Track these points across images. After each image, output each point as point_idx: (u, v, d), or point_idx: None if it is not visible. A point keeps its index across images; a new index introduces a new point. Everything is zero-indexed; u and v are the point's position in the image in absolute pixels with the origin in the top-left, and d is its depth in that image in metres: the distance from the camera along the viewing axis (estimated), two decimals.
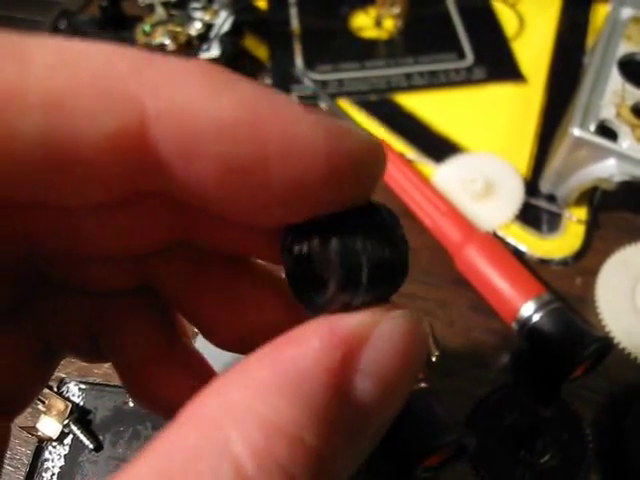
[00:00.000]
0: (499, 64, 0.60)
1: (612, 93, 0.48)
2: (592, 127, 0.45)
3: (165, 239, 0.20)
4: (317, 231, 0.17)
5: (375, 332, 0.15)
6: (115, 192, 0.15)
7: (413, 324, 0.16)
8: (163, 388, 0.23)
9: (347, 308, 0.17)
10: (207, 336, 0.22)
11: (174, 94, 0.14)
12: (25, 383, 0.22)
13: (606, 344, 0.38)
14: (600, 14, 0.64)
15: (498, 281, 0.42)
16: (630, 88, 0.48)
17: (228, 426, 0.13)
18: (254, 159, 0.15)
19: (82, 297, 0.22)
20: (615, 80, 0.48)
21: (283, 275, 0.18)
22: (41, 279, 0.21)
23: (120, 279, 0.22)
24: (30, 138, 0.13)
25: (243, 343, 0.22)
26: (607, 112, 0.46)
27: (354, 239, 0.16)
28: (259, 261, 0.22)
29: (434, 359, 0.41)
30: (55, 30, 0.62)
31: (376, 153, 0.17)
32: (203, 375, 0.24)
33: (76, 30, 0.58)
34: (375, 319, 0.16)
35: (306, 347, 0.15)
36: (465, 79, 0.59)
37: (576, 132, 0.44)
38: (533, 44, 0.62)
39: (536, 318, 0.39)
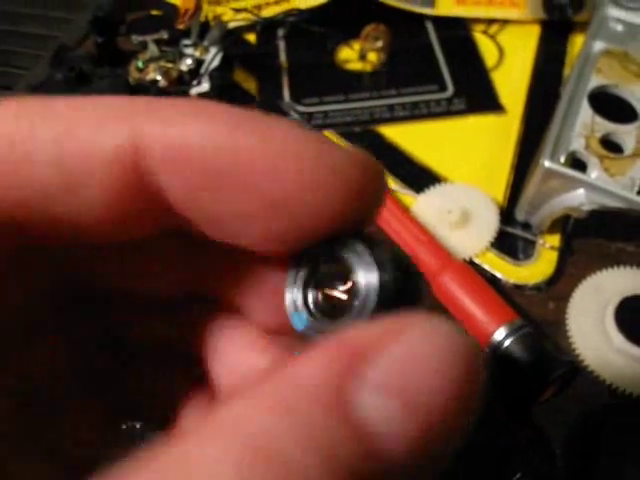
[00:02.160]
0: (479, 95, 0.62)
1: (582, 125, 0.50)
2: (562, 158, 0.47)
3: (177, 287, 0.22)
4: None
5: (395, 341, 0.13)
6: (123, 221, 0.17)
7: (455, 336, 0.13)
8: None
9: None
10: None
11: (164, 119, 0.16)
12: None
13: (572, 368, 0.40)
14: (577, 45, 0.66)
15: (472, 307, 0.44)
16: (599, 120, 0.50)
17: (211, 442, 0.12)
18: (236, 171, 0.16)
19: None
20: (585, 112, 0.51)
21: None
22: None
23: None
24: (43, 166, 0.16)
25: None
26: (577, 144, 0.48)
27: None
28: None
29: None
30: (54, 64, 0.64)
31: (368, 169, 0.17)
32: None
33: (72, 67, 0.61)
34: (395, 327, 0.13)
35: (309, 361, 0.13)
36: (446, 110, 0.61)
37: (547, 163, 0.46)
38: (512, 75, 0.65)
39: (507, 343, 0.41)
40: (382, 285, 0.17)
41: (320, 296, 0.19)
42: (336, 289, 0.18)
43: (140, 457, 0.12)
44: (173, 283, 0.22)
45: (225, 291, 0.22)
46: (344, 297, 0.18)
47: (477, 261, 0.50)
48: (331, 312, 0.18)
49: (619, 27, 0.58)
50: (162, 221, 0.18)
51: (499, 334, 0.42)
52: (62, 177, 0.16)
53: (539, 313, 0.47)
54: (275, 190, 0.16)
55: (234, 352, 0.22)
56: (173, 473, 0.11)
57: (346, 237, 0.18)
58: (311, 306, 0.19)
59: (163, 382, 0.23)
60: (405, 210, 0.51)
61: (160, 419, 0.24)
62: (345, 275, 0.18)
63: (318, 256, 0.19)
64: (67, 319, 0.21)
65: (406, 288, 0.17)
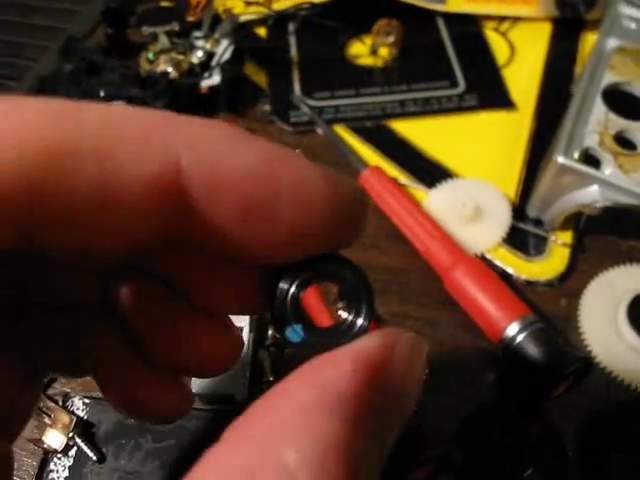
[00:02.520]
0: (490, 92, 0.62)
1: (596, 122, 0.50)
2: (576, 155, 0.47)
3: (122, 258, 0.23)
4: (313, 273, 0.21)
5: (391, 357, 0.18)
6: (144, 236, 0.18)
7: (418, 346, 0.20)
8: (137, 395, 0.25)
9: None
10: (147, 355, 0.25)
11: (203, 147, 0.17)
12: (20, 404, 0.24)
13: (586, 364, 0.40)
14: (589, 43, 0.66)
15: (485, 302, 0.44)
16: (613, 117, 0.50)
17: (281, 443, 0.15)
18: (269, 200, 0.18)
19: (59, 317, 0.24)
20: (599, 109, 0.51)
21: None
22: (19, 297, 0.23)
23: (84, 293, 0.24)
24: (82, 183, 0.16)
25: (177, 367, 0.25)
26: (591, 140, 0.48)
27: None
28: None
29: (424, 377, 0.43)
30: (63, 55, 0.64)
31: (363, 200, 0.20)
32: (175, 382, 0.26)
33: (83, 58, 0.60)
34: (388, 343, 0.19)
35: (341, 370, 0.17)
36: (457, 106, 0.61)
37: (560, 160, 0.46)
38: (523, 72, 0.65)
39: (520, 338, 0.41)
40: (371, 303, 0.21)
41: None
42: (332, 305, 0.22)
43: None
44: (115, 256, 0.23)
45: (172, 272, 0.24)
46: (345, 315, 0.21)
47: (489, 256, 0.50)
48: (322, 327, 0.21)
49: (632, 25, 0.58)
50: (178, 233, 0.19)
51: (512, 329, 0.42)
52: (98, 196, 0.16)
53: (551, 309, 0.47)
54: (299, 220, 0.18)
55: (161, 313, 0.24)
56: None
57: (331, 255, 0.21)
58: (300, 312, 0.21)
59: (86, 337, 0.25)
60: (417, 205, 0.51)
61: (78, 370, 0.26)
62: (337, 292, 0.21)
63: (310, 272, 0.20)
64: None
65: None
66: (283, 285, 0.20)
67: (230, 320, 0.26)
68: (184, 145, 0.17)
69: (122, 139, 0.16)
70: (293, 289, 0.20)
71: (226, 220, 0.18)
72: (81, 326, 0.25)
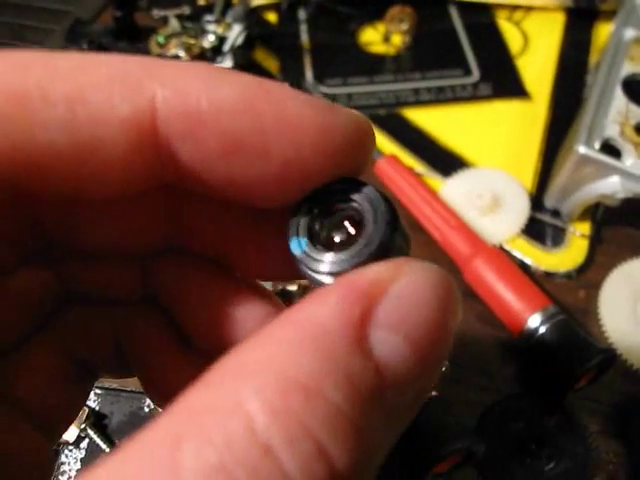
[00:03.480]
0: (504, 81, 0.62)
1: (616, 112, 0.49)
2: (597, 145, 0.47)
3: (160, 240, 0.22)
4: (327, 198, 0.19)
5: (394, 283, 0.15)
6: (130, 183, 0.18)
7: (439, 276, 0.15)
8: (183, 387, 0.24)
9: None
10: (195, 341, 0.24)
11: (179, 83, 0.17)
12: (63, 404, 0.23)
13: (609, 356, 0.39)
14: (603, 33, 0.65)
15: (505, 293, 0.43)
16: (634, 107, 0.49)
17: (241, 382, 0.13)
18: (251, 133, 0.17)
19: (100, 311, 0.24)
20: (619, 100, 0.50)
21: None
22: (61, 293, 0.22)
23: (126, 285, 0.23)
24: (55, 128, 0.16)
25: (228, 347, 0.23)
26: (611, 131, 0.48)
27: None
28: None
29: (444, 369, 0.42)
30: (70, 39, 0.63)
31: (363, 128, 0.18)
32: None
33: (92, 40, 0.59)
34: (393, 271, 0.15)
35: (324, 303, 0.14)
36: (471, 95, 0.60)
37: (581, 150, 0.46)
38: (537, 61, 0.64)
39: (542, 330, 0.41)
40: (387, 229, 0.18)
41: (326, 226, 0.19)
42: (344, 225, 0.19)
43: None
44: (152, 234, 0.22)
45: (209, 242, 0.23)
46: (352, 230, 0.19)
47: (507, 247, 0.49)
48: (330, 245, 0.19)
49: None
50: (166, 178, 0.18)
51: (534, 320, 0.41)
52: (73, 141, 0.16)
53: (570, 301, 0.46)
54: (288, 152, 0.17)
55: (212, 301, 0.23)
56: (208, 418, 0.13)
57: (353, 181, 0.19)
58: (314, 233, 0.19)
59: (128, 332, 0.24)
60: (434, 194, 0.50)
61: (123, 368, 0.25)
62: (353, 216, 0.19)
63: (329, 196, 0.19)
64: (25, 264, 0.21)
65: (396, 240, 0.18)
66: (304, 204, 0.19)
67: (275, 297, 0.25)
68: (158, 84, 0.17)
69: (94, 83, 0.16)
70: (313, 211, 0.19)
71: (211, 159, 0.17)
72: (122, 321, 0.24)
